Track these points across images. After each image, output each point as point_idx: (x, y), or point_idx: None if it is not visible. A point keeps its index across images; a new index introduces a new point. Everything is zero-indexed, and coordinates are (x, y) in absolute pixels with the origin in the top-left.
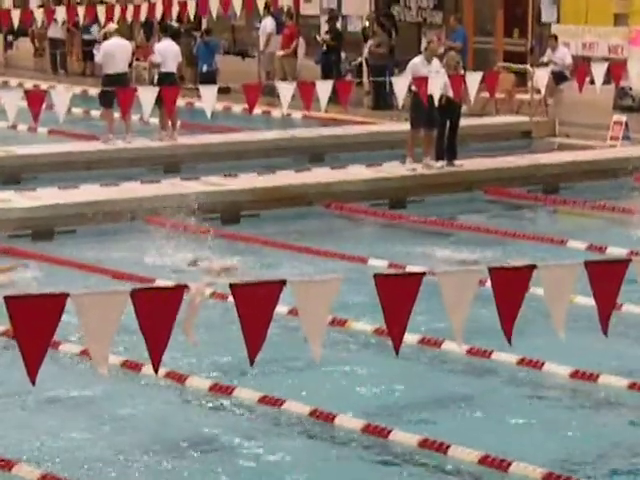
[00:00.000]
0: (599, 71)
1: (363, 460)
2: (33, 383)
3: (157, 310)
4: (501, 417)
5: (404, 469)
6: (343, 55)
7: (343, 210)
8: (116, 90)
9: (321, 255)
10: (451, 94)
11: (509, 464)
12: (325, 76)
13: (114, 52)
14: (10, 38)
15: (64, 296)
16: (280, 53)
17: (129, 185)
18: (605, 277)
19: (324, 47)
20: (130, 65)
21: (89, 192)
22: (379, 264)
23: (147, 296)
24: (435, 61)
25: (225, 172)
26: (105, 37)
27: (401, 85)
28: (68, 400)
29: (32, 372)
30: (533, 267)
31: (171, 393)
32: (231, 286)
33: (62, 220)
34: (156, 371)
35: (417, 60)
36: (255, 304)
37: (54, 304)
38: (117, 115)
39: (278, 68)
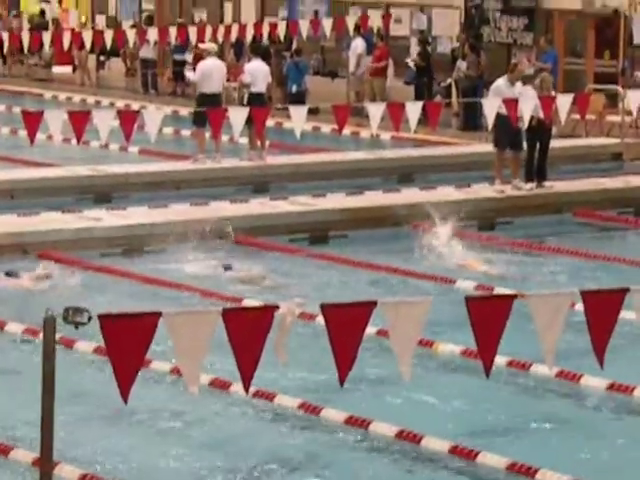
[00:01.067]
0: None
1: None
2: (125, 401)
3: (248, 329)
4: (591, 441)
5: None
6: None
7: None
8: (207, 110)
9: (409, 275)
10: (542, 115)
11: None
12: (418, 97)
13: (211, 72)
14: (102, 58)
15: (157, 315)
16: (368, 73)
17: (218, 204)
18: None
19: (414, 68)
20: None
21: (179, 211)
22: (467, 285)
23: (238, 316)
24: (519, 84)
25: (314, 192)
26: (197, 58)
27: (491, 107)
28: (155, 417)
29: (124, 390)
30: (626, 290)
31: (259, 411)
32: (322, 307)
33: (152, 239)
34: (247, 390)
35: (500, 82)
36: (346, 325)
37: (147, 323)
38: (207, 135)
39: (367, 89)
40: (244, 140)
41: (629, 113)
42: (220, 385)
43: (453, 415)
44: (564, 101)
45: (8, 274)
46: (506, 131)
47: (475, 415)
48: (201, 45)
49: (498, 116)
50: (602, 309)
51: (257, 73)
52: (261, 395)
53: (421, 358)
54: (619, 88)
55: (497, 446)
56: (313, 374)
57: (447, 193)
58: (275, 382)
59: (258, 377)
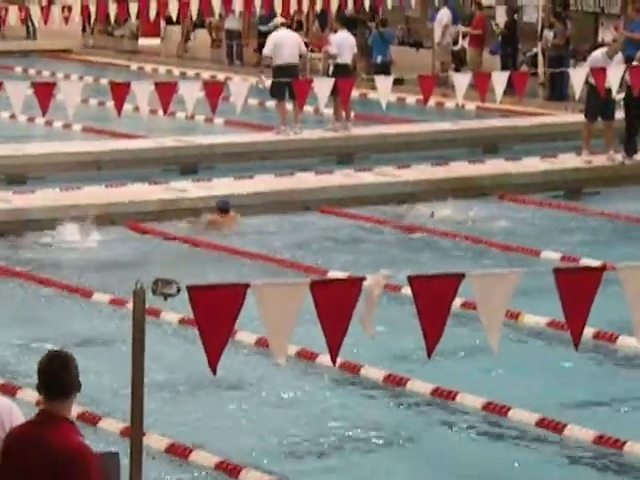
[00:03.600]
0: None
1: (537, 454)
2: (214, 372)
3: (335, 302)
4: None
5: (578, 466)
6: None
7: (517, 201)
8: (292, 81)
9: (493, 247)
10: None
11: None
12: (503, 67)
13: (282, 43)
14: (188, 29)
15: (245, 286)
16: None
17: (303, 175)
18: None
19: (500, 38)
20: (300, 56)
21: (263, 182)
22: (552, 256)
23: (326, 288)
24: (617, 57)
25: (399, 163)
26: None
27: (579, 76)
28: (242, 388)
29: (213, 361)
30: None
31: (346, 383)
32: (409, 278)
33: (238, 209)
34: (334, 361)
35: (598, 55)
36: (434, 296)
37: (235, 294)
38: (290, 107)
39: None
40: (329, 111)
41: None
42: (307, 356)
43: (540, 387)
44: None
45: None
46: (596, 101)
47: (561, 388)
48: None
49: (590, 86)
50: None
51: (343, 44)
52: (347, 367)
53: (508, 329)
54: None
55: (584, 419)
56: (400, 345)
57: (532, 163)
58: (361, 354)
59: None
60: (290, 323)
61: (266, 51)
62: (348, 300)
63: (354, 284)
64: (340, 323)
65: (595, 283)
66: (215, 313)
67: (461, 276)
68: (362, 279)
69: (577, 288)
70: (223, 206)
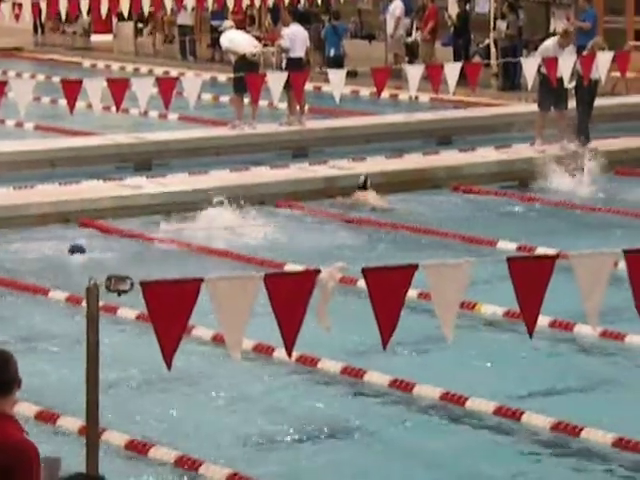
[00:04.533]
0: None
1: (495, 443)
2: (169, 367)
3: (290, 294)
4: (636, 399)
5: (537, 452)
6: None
7: (472, 192)
8: (245, 76)
9: (450, 237)
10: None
11: None
12: (456, 58)
13: (238, 38)
14: (140, 25)
15: (199, 281)
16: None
17: (258, 170)
18: None
19: (452, 29)
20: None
21: (219, 177)
22: (508, 246)
23: (280, 281)
24: (569, 48)
25: (353, 156)
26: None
27: (530, 66)
28: (200, 383)
29: (168, 356)
30: None
31: (302, 376)
32: (363, 270)
33: (192, 205)
34: (289, 354)
35: (550, 44)
36: (388, 288)
37: (189, 289)
38: (246, 101)
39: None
40: (283, 105)
41: None
42: (263, 350)
43: (497, 376)
44: (604, 59)
45: (73, 251)
46: (548, 91)
47: (519, 376)
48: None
49: (542, 76)
50: None
51: (295, 38)
52: (304, 360)
53: (464, 319)
54: None
55: (541, 406)
56: (356, 338)
57: (486, 154)
58: (318, 347)
59: (302, 342)
60: (244, 317)
61: (225, 46)
62: (302, 293)
63: (308, 277)
64: (295, 316)
65: (548, 271)
66: (169, 308)
67: (415, 267)
68: (316, 272)
69: (530, 277)
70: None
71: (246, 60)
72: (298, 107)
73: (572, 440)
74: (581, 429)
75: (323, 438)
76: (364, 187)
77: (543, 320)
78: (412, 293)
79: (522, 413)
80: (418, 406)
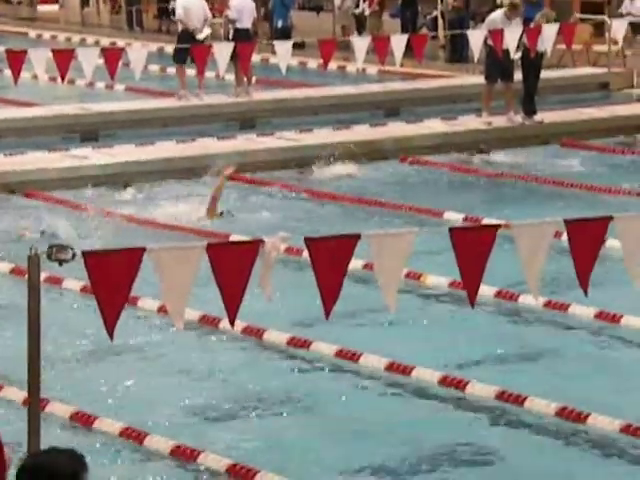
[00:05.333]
0: None
1: (440, 412)
2: (111, 337)
3: (232, 264)
4: (579, 369)
5: (479, 421)
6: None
7: (419, 163)
8: (191, 47)
9: (396, 209)
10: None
11: (587, 417)
12: (403, 31)
13: (191, 7)
14: None
15: (141, 250)
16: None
17: (205, 141)
18: None
19: (400, 1)
20: (205, 20)
21: (165, 149)
22: (455, 217)
23: (223, 250)
24: (516, 20)
25: (300, 128)
26: None
27: (477, 38)
28: (146, 354)
29: (110, 327)
30: (609, 218)
31: (248, 347)
32: (306, 240)
33: (138, 176)
34: (232, 323)
35: (496, 16)
36: (330, 258)
37: (131, 259)
38: (192, 72)
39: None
40: (231, 76)
41: (615, 43)
42: (209, 322)
43: (442, 346)
44: (550, 31)
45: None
46: (495, 63)
47: (464, 346)
48: None
49: (489, 48)
50: (586, 237)
51: (242, 9)
52: (250, 331)
53: (410, 290)
54: (605, 18)
55: (486, 376)
56: (303, 309)
57: (433, 126)
58: (264, 317)
59: (247, 312)
60: (187, 287)
61: (178, 15)
62: (245, 263)
63: (251, 246)
64: (237, 286)
65: (490, 241)
66: (111, 278)
67: (357, 237)
68: (259, 241)
69: (472, 247)
70: None
71: (190, 32)
72: (245, 78)
73: (516, 409)
74: (525, 398)
75: (268, 409)
76: None
77: (489, 290)
78: (357, 264)
79: (467, 383)
80: (364, 376)
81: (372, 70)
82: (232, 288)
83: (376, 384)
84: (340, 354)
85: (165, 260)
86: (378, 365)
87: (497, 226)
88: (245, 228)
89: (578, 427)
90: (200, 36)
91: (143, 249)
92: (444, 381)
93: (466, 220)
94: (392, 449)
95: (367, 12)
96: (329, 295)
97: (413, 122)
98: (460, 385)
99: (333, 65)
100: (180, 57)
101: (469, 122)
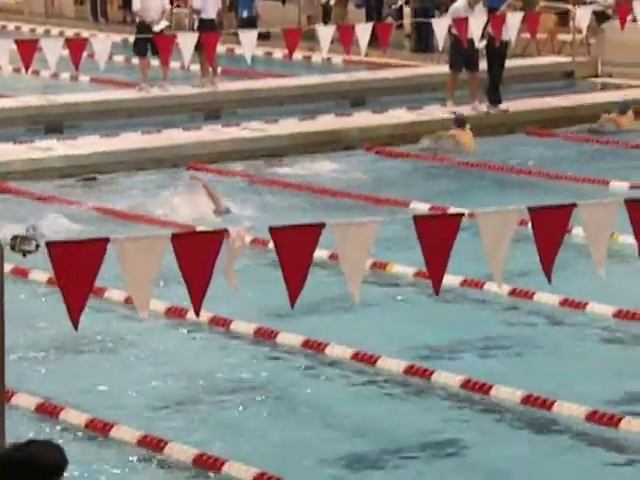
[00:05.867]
0: None
1: (406, 402)
2: (76, 328)
3: (197, 254)
4: (544, 357)
5: (446, 409)
6: None
7: (385, 153)
8: (155, 37)
9: (362, 199)
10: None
11: (552, 404)
12: (368, 20)
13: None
14: None
15: (105, 241)
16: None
17: (171, 132)
18: None
19: None
20: (163, 12)
21: (130, 140)
22: (421, 207)
23: (187, 240)
24: (478, 6)
25: (266, 118)
26: None
27: (441, 27)
28: (112, 345)
29: (74, 317)
30: (573, 206)
31: (216, 338)
32: (271, 230)
33: (103, 168)
34: (197, 314)
35: (460, 5)
36: (295, 247)
37: (95, 249)
38: (156, 62)
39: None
40: (196, 67)
41: (579, 31)
42: (177, 313)
43: (408, 335)
44: (514, 20)
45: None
46: (459, 52)
47: (429, 335)
48: None
49: (454, 37)
50: (550, 225)
51: None
52: (217, 321)
53: (375, 279)
54: (569, 6)
55: (452, 364)
56: (270, 299)
57: (399, 115)
58: (230, 308)
59: (214, 304)
60: (151, 277)
61: (135, 7)
62: (210, 253)
63: (216, 236)
64: (202, 276)
65: (454, 230)
66: (75, 269)
67: (321, 226)
68: (224, 231)
69: (437, 236)
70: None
71: (148, 24)
72: (211, 69)
73: (482, 397)
74: (490, 386)
75: (235, 398)
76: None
77: (454, 280)
78: (323, 254)
79: (432, 372)
80: (330, 366)
81: (338, 60)
82: (197, 278)
83: (342, 373)
84: (306, 344)
85: (129, 250)
86: (344, 355)
87: (461, 214)
88: (210, 220)
89: (544, 414)
90: (156, 28)
91: (107, 239)
92: (410, 370)
93: (432, 209)
94: (359, 438)
95: (332, 1)
96: (294, 284)
97: (379, 112)
98: (426, 374)
99: (298, 55)
100: (140, 49)
101: (434, 111)
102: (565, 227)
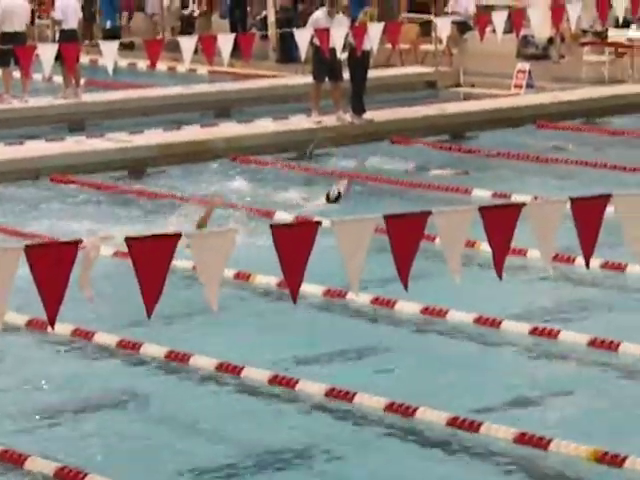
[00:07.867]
0: (499, 20)
1: (268, 411)
2: None
3: (52, 266)
4: (407, 365)
5: (311, 418)
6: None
7: (249, 163)
8: (14, 49)
9: (228, 208)
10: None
11: (415, 411)
12: (233, 31)
13: (13, 11)
14: None
15: None
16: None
17: (33, 144)
18: (499, 221)
19: (229, 2)
20: (32, 23)
21: None
22: (285, 216)
23: (41, 252)
24: (338, 17)
25: (131, 129)
26: None
27: (303, 38)
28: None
29: None
30: (428, 213)
31: (78, 350)
32: (126, 240)
33: None
34: (52, 325)
35: (319, 15)
36: (151, 257)
37: None
38: (18, 74)
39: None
40: (59, 78)
41: (441, 42)
42: (38, 325)
43: (272, 345)
44: (375, 30)
45: None
46: (322, 62)
47: (292, 344)
48: None
49: (316, 48)
50: (405, 233)
51: (67, 9)
52: (80, 333)
53: (240, 289)
54: (432, 17)
55: (315, 373)
56: (134, 310)
57: (264, 125)
58: (93, 320)
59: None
60: (6, 289)
61: None
62: (64, 263)
63: (70, 247)
64: (57, 287)
65: (310, 238)
66: None
67: (178, 236)
68: (78, 242)
69: (293, 244)
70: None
71: (12, 33)
72: (73, 80)
73: (345, 405)
74: (354, 394)
75: (101, 409)
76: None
77: (317, 289)
78: (187, 264)
79: (297, 381)
80: (194, 377)
81: (203, 70)
82: (51, 289)
83: (206, 384)
84: (170, 355)
85: None
86: (208, 366)
87: (318, 223)
88: (68, 232)
89: (407, 422)
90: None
91: None
92: (274, 380)
93: (297, 218)
94: (222, 448)
95: (196, 13)
96: (150, 294)
97: (244, 122)
98: (290, 383)
99: (163, 66)
100: (3, 60)
101: (300, 122)
102: (420, 235)
